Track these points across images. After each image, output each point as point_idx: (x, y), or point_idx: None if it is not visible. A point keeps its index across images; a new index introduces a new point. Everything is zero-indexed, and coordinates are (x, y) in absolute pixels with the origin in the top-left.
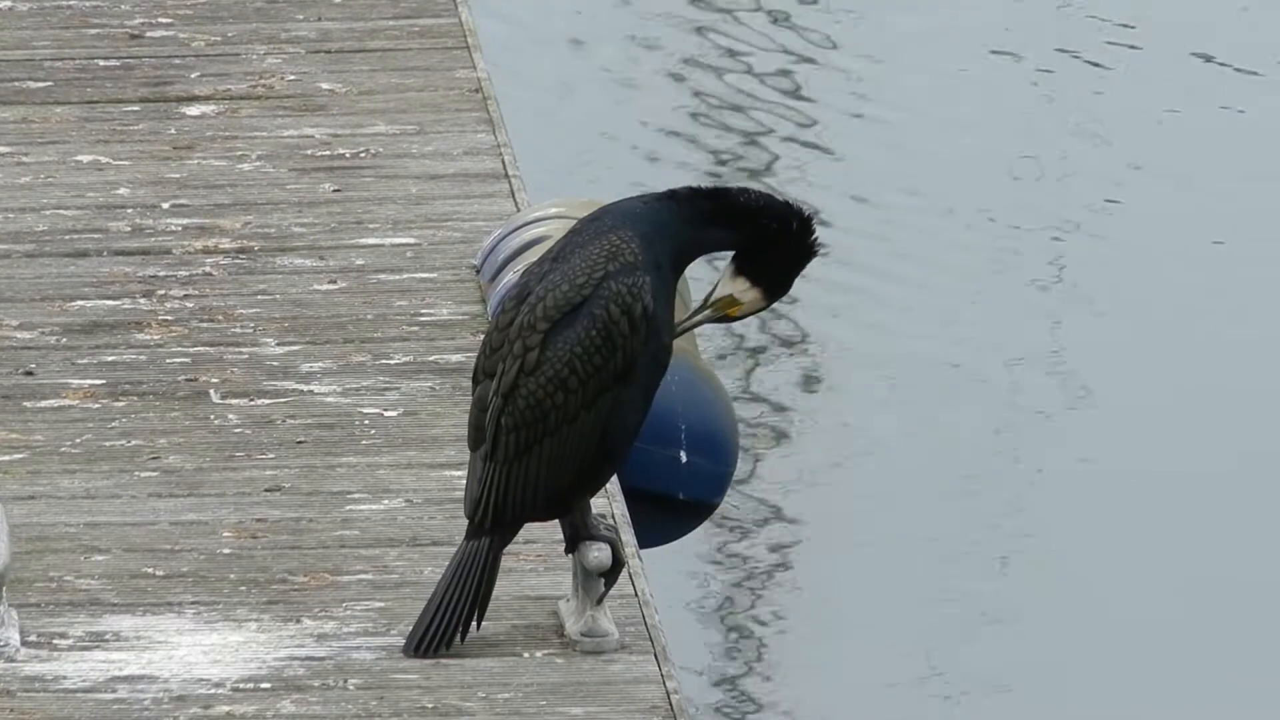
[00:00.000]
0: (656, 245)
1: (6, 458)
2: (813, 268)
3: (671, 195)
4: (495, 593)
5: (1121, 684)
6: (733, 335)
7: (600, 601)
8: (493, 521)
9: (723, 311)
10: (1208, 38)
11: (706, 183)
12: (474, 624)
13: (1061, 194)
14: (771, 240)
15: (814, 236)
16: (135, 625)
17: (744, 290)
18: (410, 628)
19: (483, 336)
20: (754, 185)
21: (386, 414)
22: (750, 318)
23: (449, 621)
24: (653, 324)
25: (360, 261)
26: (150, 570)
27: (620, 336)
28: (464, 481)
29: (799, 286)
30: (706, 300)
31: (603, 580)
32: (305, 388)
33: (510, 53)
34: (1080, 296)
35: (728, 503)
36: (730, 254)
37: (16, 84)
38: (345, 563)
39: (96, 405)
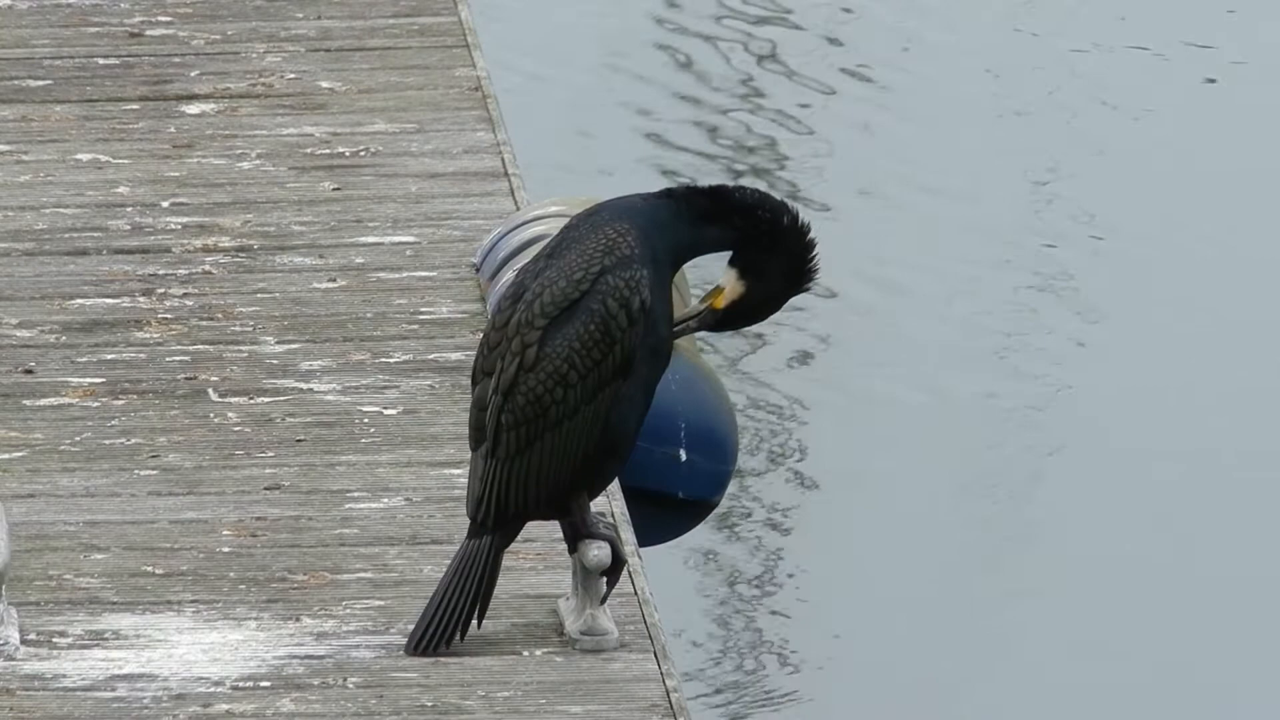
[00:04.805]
0: (654, 240)
1: (6, 456)
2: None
3: (669, 193)
4: (495, 591)
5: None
6: (733, 333)
7: (604, 601)
8: (495, 519)
9: (710, 302)
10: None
11: (706, 181)
12: (475, 622)
13: (1071, 192)
14: (767, 237)
15: (808, 233)
16: (135, 623)
17: (736, 284)
18: (410, 626)
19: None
20: (751, 184)
21: (386, 412)
22: (748, 328)
23: (449, 620)
24: (650, 317)
25: (360, 260)
26: (150, 569)
27: (618, 331)
28: (464, 480)
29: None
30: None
31: (605, 580)
32: (305, 386)
33: (510, 51)
34: (1085, 286)
35: (727, 500)
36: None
37: (16, 82)
38: (345, 561)
39: (96, 404)
